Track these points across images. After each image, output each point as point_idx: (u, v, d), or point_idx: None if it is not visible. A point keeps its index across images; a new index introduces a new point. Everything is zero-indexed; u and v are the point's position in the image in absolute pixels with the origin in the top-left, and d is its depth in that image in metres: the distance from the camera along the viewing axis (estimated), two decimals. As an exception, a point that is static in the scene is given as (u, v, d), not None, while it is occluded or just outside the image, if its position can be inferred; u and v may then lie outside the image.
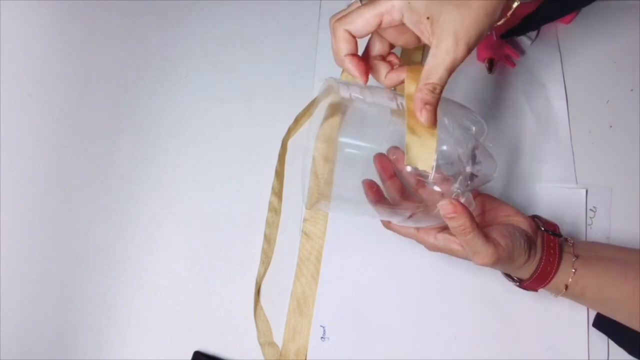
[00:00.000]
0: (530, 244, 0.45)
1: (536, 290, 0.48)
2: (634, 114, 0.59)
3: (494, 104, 0.61)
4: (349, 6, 0.42)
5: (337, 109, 0.62)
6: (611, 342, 0.52)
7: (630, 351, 0.50)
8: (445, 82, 0.40)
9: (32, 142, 0.64)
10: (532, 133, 0.59)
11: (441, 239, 0.46)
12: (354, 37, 0.41)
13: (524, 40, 0.62)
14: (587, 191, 0.56)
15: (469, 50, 0.39)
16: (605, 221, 0.56)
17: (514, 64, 0.61)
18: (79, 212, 0.61)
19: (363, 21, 0.40)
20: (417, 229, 0.46)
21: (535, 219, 0.49)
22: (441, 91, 0.40)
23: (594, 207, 0.56)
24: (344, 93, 0.42)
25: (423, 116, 0.40)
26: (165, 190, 0.61)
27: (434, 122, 0.40)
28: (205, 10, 0.68)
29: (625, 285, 0.46)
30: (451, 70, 0.40)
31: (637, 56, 0.61)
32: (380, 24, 0.40)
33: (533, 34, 0.62)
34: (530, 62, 0.62)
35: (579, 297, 0.48)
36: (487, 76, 0.62)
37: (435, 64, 0.39)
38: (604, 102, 0.60)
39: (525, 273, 0.47)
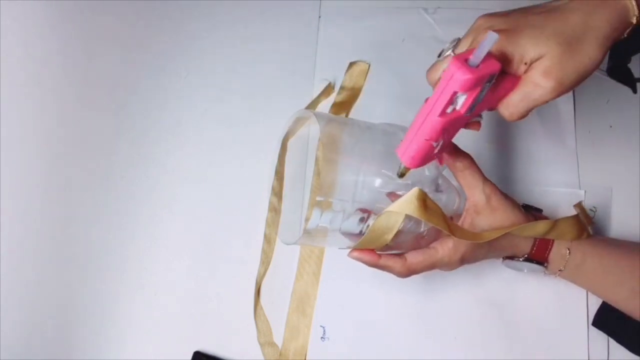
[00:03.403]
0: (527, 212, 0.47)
1: (546, 260, 0.48)
2: (634, 114, 0.59)
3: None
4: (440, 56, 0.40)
5: (342, 108, 0.62)
6: (611, 342, 0.52)
7: (630, 349, 0.50)
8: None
9: (32, 142, 0.64)
10: (538, 136, 0.59)
11: (419, 254, 0.45)
12: None
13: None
14: (585, 192, 0.56)
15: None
16: (605, 221, 0.56)
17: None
18: (79, 212, 0.61)
19: None
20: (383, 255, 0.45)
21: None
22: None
23: (594, 207, 0.56)
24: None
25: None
26: (165, 190, 0.61)
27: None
28: (205, 10, 0.68)
29: (622, 258, 0.47)
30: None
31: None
32: None
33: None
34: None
35: (580, 268, 0.48)
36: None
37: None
38: (604, 102, 0.60)
39: (528, 244, 0.47)
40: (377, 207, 0.44)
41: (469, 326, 0.54)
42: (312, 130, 0.62)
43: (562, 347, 0.52)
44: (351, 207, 0.45)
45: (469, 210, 0.45)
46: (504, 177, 0.58)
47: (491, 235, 0.43)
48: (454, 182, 0.46)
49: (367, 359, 0.54)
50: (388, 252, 0.44)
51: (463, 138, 0.60)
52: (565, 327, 0.53)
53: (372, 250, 0.43)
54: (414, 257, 0.44)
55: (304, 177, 0.59)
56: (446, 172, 0.47)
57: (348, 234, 0.45)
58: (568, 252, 0.47)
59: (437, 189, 0.45)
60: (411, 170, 0.40)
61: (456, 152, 0.43)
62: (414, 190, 0.39)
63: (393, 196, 0.44)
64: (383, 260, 0.43)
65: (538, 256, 0.48)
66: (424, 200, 0.39)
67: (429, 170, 0.44)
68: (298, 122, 0.49)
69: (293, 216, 0.58)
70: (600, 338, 0.52)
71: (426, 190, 0.42)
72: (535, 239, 0.47)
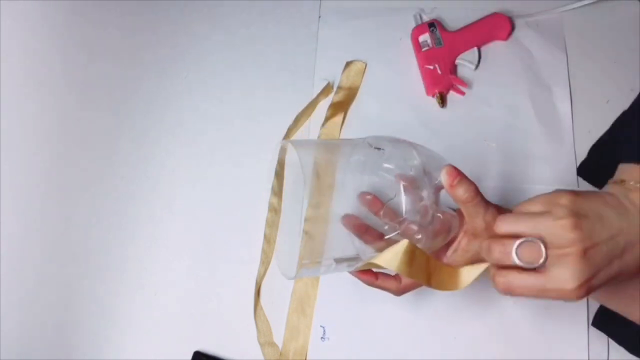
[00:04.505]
0: None
1: None
2: (634, 114, 0.59)
3: (498, 105, 0.61)
4: None
5: (340, 108, 0.62)
6: (611, 342, 0.52)
7: (630, 349, 0.50)
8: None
9: (32, 143, 0.64)
10: (536, 135, 0.59)
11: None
12: None
13: (466, 66, 0.61)
14: (586, 191, 0.56)
15: None
16: (605, 221, 0.56)
17: (463, 93, 0.61)
18: (79, 212, 0.61)
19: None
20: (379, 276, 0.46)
21: None
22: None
23: (594, 207, 0.56)
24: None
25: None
26: (165, 190, 0.61)
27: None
28: (205, 11, 0.68)
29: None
30: None
31: (637, 56, 0.61)
32: None
33: (475, 58, 0.61)
34: (537, 64, 0.62)
35: None
36: (493, 76, 0.62)
37: None
38: (604, 102, 0.60)
39: None
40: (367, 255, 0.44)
41: (469, 326, 0.54)
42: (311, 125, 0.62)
43: (562, 347, 0.52)
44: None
45: (467, 232, 0.44)
46: (502, 176, 0.58)
47: (468, 281, 0.43)
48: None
49: (367, 359, 0.54)
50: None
51: (462, 137, 0.60)
52: (565, 327, 0.53)
53: (370, 271, 0.44)
54: (408, 279, 0.45)
55: (302, 181, 0.59)
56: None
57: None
58: None
59: (437, 202, 0.44)
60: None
61: (460, 182, 0.41)
62: (403, 243, 0.39)
63: (401, 179, 0.44)
64: (380, 282, 0.45)
65: None
66: (412, 253, 0.39)
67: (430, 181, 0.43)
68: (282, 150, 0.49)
69: (289, 245, 0.57)
70: (600, 338, 0.52)
71: (430, 196, 0.42)
72: None
